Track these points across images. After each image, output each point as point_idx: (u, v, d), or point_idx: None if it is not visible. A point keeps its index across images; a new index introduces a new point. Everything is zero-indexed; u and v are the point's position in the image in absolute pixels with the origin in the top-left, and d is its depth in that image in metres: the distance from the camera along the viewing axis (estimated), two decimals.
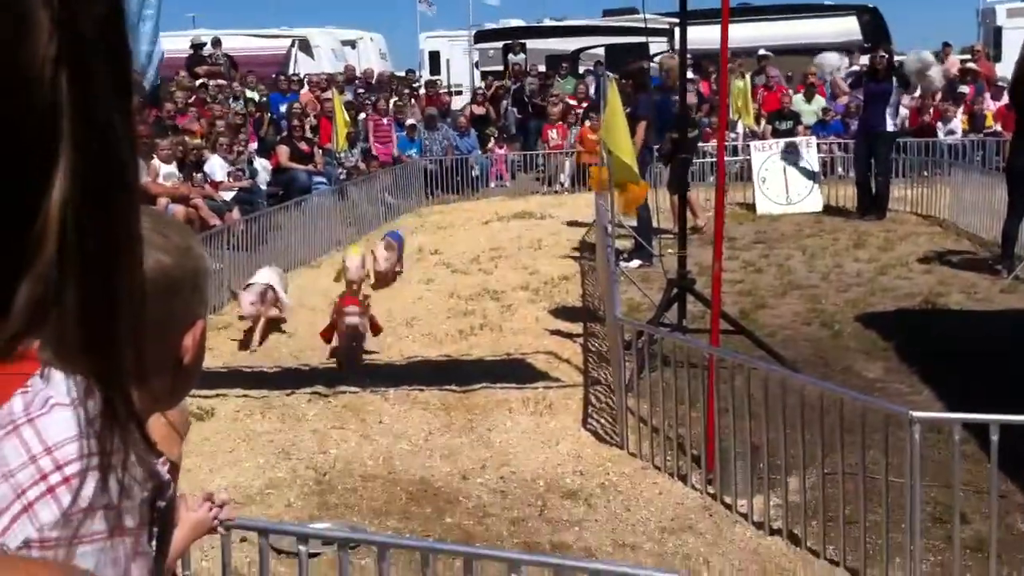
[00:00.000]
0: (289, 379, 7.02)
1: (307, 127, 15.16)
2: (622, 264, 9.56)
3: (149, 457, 0.63)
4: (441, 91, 20.34)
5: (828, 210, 13.40)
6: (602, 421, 6.01)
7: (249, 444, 5.83)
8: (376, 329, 7.63)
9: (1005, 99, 13.95)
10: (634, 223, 10.32)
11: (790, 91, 17.44)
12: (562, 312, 8.70)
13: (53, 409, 0.57)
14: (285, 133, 14.71)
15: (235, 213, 11.22)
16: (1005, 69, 16.95)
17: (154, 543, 1.03)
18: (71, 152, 0.45)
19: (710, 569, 4.24)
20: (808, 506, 4.48)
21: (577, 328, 8.13)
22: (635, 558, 4.31)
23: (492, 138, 17.93)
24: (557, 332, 8.06)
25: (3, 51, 0.43)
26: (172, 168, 11.30)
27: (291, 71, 21.08)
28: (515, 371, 7.02)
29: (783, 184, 13.62)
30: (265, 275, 8.17)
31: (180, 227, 1.33)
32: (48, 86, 0.44)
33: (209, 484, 5.05)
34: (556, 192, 16.56)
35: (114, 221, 0.49)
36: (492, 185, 17.19)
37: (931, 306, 8.39)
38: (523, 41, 23.93)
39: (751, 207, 13.62)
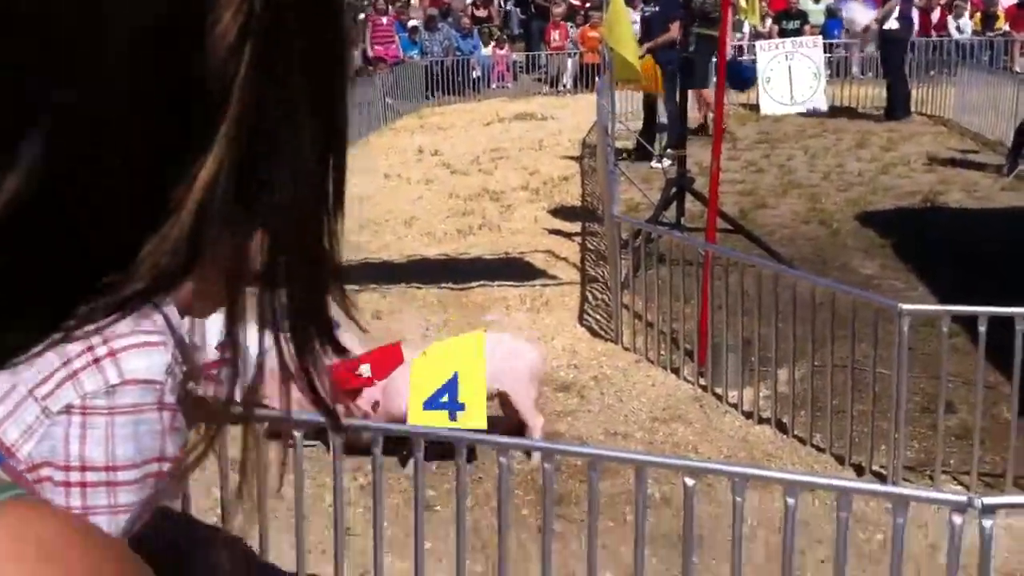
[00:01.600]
0: None
1: None
2: (653, 164, 9.61)
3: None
4: None
5: (833, 110, 13.27)
6: (597, 317, 6.06)
7: None
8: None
9: None
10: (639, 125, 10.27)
11: None
12: (561, 212, 8.70)
13: None
14: None
15: None
16: None
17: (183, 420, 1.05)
18: (232, 133, 0.37)
19: (699, 456, 4.33)
20: (797, 397, 4.55)
21: (576, 227, 8.13)
22: (625, 446, 4.40)
23: (493, 39, 17.66)
24: (556, 231, 8.07)
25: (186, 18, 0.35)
26: None
27: None
28: (513, 269, 7.05)
29: (788, 84, 13.45)
30: None
31: None
32: (223, 57, 0.36)
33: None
34: (558, 93, 16.38)
35: (280, 209, 0.40)
36: (494, 86, 17.00)
37: (931, 204, 8.37)
38: None
39: (755, 107, 13.48)
